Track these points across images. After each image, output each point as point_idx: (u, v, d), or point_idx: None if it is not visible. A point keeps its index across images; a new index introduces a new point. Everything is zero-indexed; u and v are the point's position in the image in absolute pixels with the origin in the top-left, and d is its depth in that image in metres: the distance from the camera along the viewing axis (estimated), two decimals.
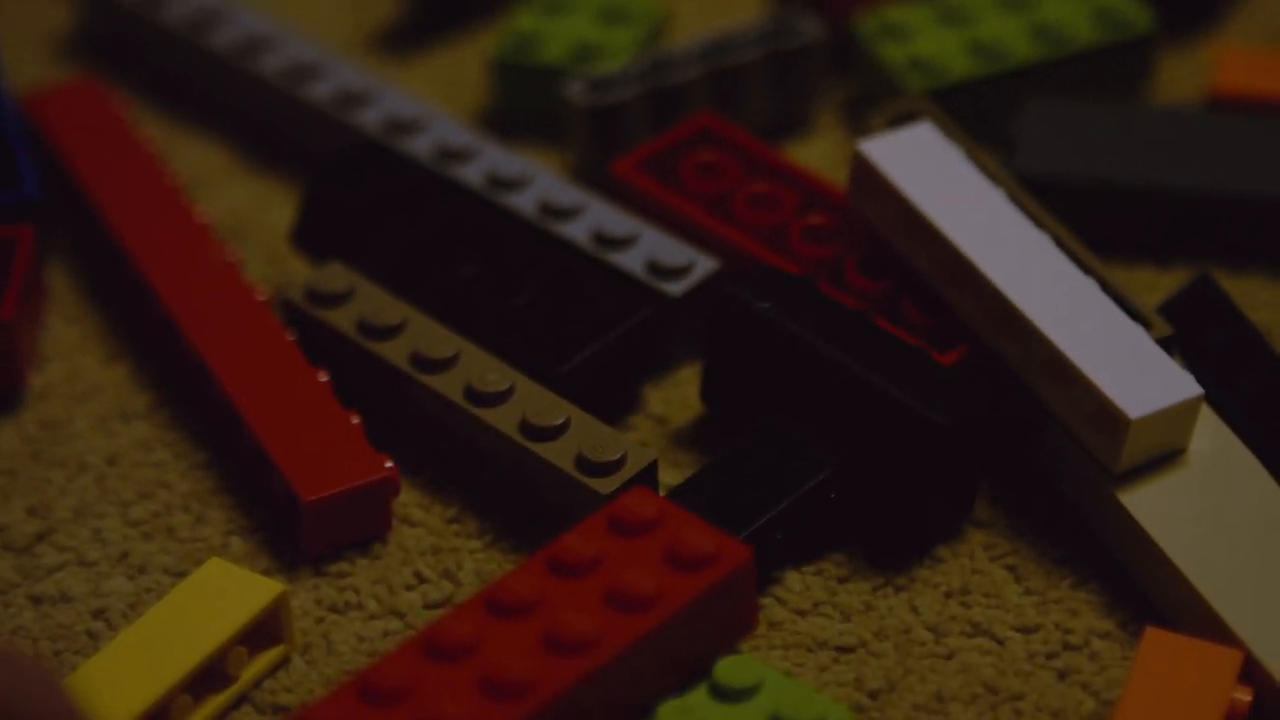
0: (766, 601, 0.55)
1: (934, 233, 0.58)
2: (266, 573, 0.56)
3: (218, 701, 0.52)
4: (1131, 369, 0.54)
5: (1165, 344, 0.57)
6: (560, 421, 0.56)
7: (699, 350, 0.61)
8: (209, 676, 0.52)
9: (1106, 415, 0.54)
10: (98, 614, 0.55)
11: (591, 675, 0.48)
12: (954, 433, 0.54)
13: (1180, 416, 0.55)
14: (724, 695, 0.50)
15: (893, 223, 0.59)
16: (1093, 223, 0.63)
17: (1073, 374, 0.55)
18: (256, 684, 0.53)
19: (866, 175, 0.60)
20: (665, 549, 0.51)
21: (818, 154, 0.69)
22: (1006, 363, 0.56)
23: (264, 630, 0.53)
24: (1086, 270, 0.59)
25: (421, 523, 0.57)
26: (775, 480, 0.55)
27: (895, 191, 0.59)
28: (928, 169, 0.59)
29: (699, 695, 0.50)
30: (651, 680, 0.50)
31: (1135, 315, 0.58)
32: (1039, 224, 0.60)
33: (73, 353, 0.63)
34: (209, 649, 0.52)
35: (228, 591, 0.53)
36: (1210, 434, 0.56)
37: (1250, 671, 0.51)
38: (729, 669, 0.50)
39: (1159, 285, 0.63)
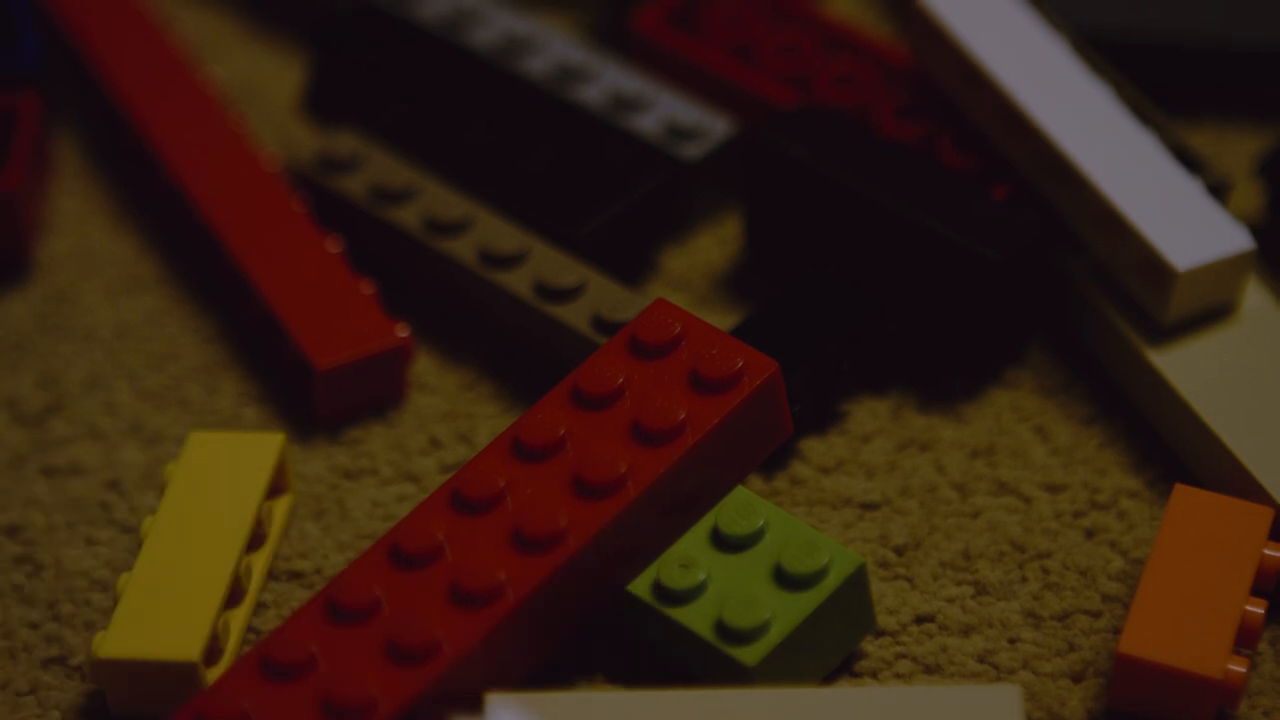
0: (789, 459, 0.54)
1: (990, 82, 0.57)
2: None
3: (263, 560, 0.51)
4: (1182, 221, 0.54)
5: (1219, 190, 0.56)
6: (576, 283, 0.55)
7: (737, 205, 0.60)
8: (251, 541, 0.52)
9: (1154, 267, 0.53)
10: (111, 485, 0.54)
11: (621, 516, 0.47)
12: (1005, 266, 0.53)
13: (1231, 270, 0.53)
14: (725, 544, 0.49)
15: (951, 72, 0.58)
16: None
17: (1122, 225, 0.54)
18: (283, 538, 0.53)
19: (925, 23, 0.59)
20: (690, 369, 0.50)
21: (839, 11, 0.67)
22: (1060, 215, 0.56)
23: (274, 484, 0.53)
24: (1145, 122, 0.57)
25: (437, 389, 0.56)
26: (832, 316, 0.54)
27: (953, 40, 0.58)
28: (988, 18, 0.58)
29: (699, 544, 0.49)
30: (686, 504, 0.49)
31: (1195, 167, 0.56)
32: (1099, 76, 0.59)
33: (79, 225, 0.62)
34: (252, 512, 0.51)
35: (233, 456, 0.52)
36: (1249, 293, 0.55)
37: None
38: (731, 516, 0.49)
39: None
